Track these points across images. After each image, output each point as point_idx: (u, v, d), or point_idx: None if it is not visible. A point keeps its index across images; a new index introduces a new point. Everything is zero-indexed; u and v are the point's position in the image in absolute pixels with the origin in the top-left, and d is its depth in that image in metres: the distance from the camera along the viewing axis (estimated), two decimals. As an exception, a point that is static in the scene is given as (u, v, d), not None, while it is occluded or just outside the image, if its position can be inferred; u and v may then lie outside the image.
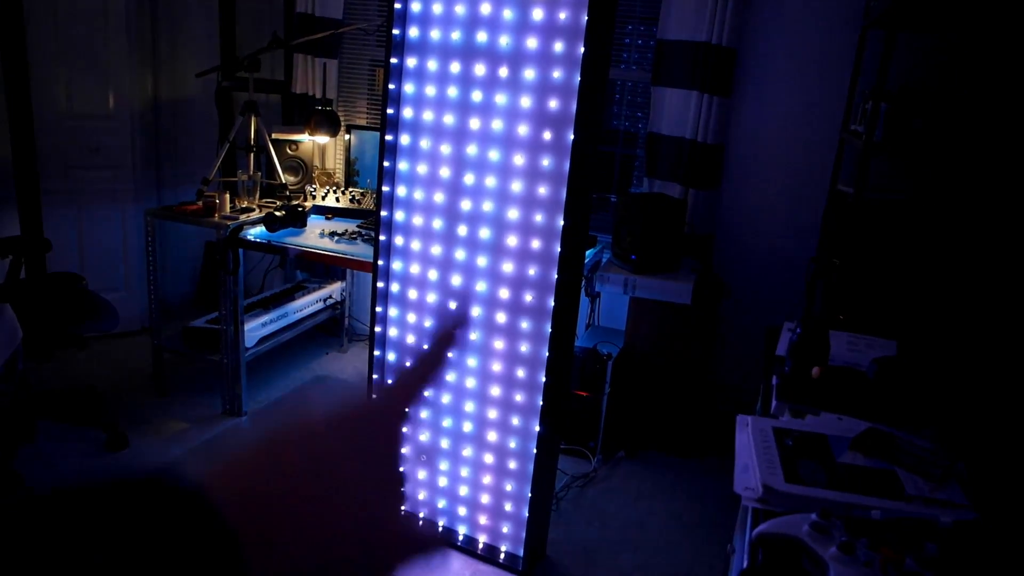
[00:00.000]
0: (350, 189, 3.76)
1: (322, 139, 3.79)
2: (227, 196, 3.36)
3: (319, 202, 3.64)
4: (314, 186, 3.79)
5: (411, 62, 2.39)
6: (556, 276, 2.24)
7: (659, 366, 3.38)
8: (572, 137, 2.13)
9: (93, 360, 3.84)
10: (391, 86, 2.41)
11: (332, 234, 3.28)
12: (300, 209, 3.30)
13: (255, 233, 3.25)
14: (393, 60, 2.39)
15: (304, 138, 3.80)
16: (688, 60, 3.37)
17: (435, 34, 2.33)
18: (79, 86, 3.90)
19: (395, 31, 2.36)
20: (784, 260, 3.52)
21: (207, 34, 4.40)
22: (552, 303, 2.28)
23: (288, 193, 3.67)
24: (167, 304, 4.59)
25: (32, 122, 3.80)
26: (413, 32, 2.37)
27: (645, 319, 3.38)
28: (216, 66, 3.68)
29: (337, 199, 3.67)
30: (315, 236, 3.27)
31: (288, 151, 3.83)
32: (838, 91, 3.27)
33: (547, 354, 2.32)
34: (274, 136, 3.74)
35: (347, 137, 3.89)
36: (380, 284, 2.58)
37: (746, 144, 3.52)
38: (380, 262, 2.55)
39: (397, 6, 2.34)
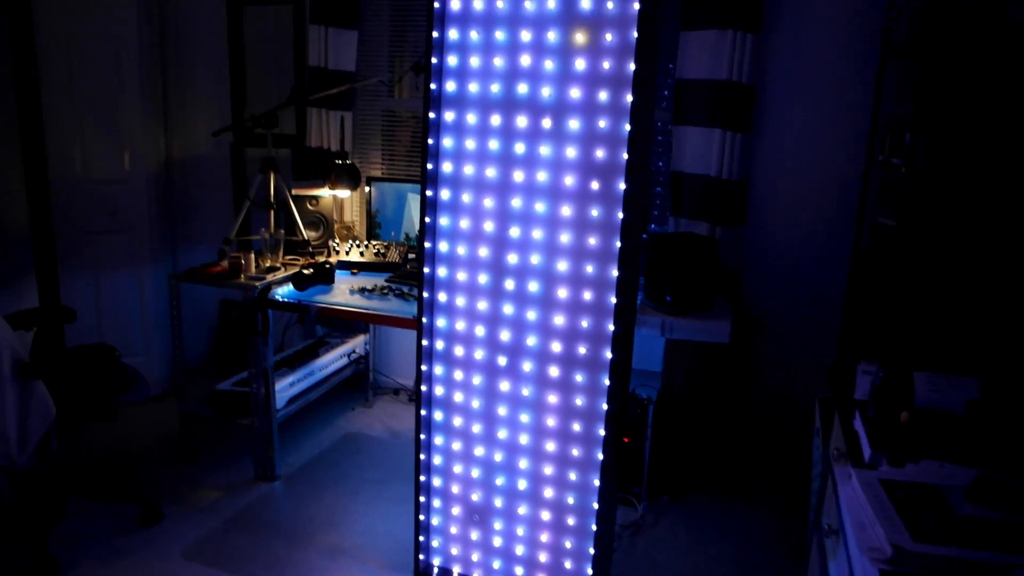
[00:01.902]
0: (373, 242, 3.72)
1: (343, 193, 3.77)
2: (252, 256, 3.31)
3: (343, 257, 3.59)
4: (336, 241, 3.75)
5: (449, 116, 2.37)
6: (612, 327, 2.20)
7: (698, 407, 3.33)
8: (623, 187, 2.10)
9: (121, 430, 3.76)
10: (430, 141, 2.38)
11: (362, 290, 3.24)
12: (327, 266, 3.25)
13: (283, 293, 3.20)
14: (431, 115, 2.36)
15: (325, 193, 3.77)
16: (708, 98, 3.37)
17: (473, 87, 2.31)
18: (94, 149, 3.88)
19: (432, 85, 2.34)
20: (813, 294, 3.49)
21: (217, 91, 4.39)
22: (608, 354, 2.23)
23: (311, 249, 3.63)
24: (185, 364, 4.52)
25: (48, 188, 3.76)
26: (450, 86, 2.35)
27: (682, 360, 3.33)
28: (231, 124, 3.66)
29: (361, 253, 3.63)
30: (345, 293, 3.22)
31: (308, 206, 3.80)
32: (859, 123, 3.27)
33: (606, 407, 2.26)
34: (294, 192, 3.71)
35: (368, 189, 3.87)
36: (425, 342, 2.52)
37: (769, 179, 3.51)
38: (424, 319, 2.50)
39: (434, 61, 2.32)
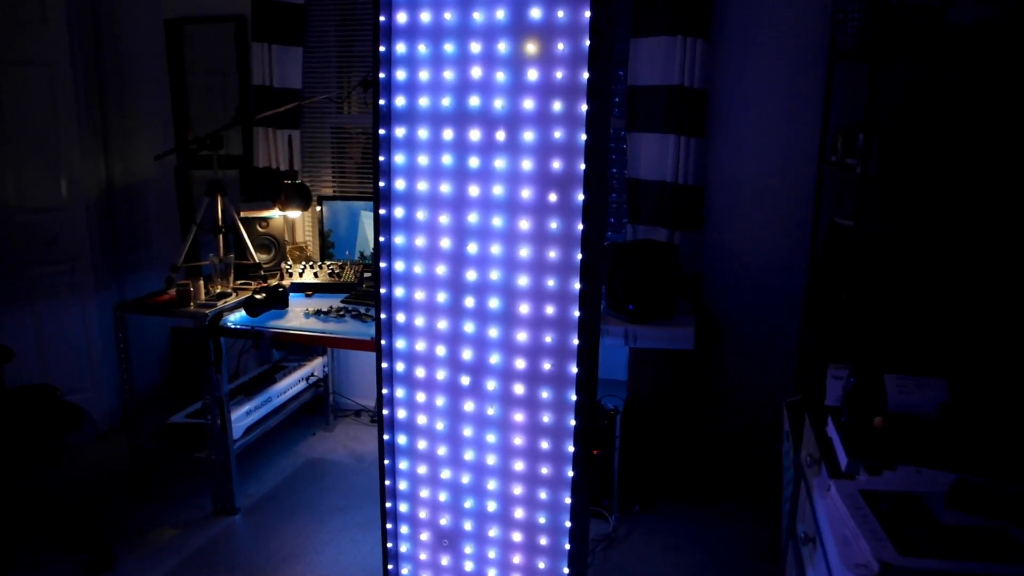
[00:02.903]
0: (327, 262, 3.62)
1: (294, 214, 3.66)
2: (201, 283, 3.19)
3: (297, 279, 3.49)
4: (289, 263, 3.64)
5: (400, 132, 2.30)
6: (576, 341, 2.15)
7: (665, 414, 3.30)
8: (581, 197, 2.06)
9: (69, 471, 3.58)
10: (381, 158, 2.31)
11: (317, 312, 3.14)
12: (280, 289, 3.15)
13: (235, 319, 3.09)
14: (381, 131, 2.29)
15: (274, 214, 3.67)
16: (661, 104, 3.36)
17: (424, 101, 2.24)
18: (29, 177, 3.72)
19: (381, 101, 2.27)
20: (774, 296, 3.50)
21: (160, 114, 4.26)
22: (574, 369, 2.18)
23: (263, 272, 3.52)
24: (134, 397, 4.35)
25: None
26: (400, 101, 2.28)
27: (647, 368, 3.30)
28: (174, 147, 3.54)
29: (315, 274, 3.53)
30: (300, 317, 3.12)
31: (258, 228, 3.69)
32: (811, 125, 3.30)
33: (574, 422, 2.21)
34: (243, 214, 3.60)
35: (319, 209, 3.77)
36: (384, 364, 2.44)
37: (725, 183, 3.52)
38: (382, 341, 2.42)
39: (381, 76, 2.25)
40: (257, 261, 3.55)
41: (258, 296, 3.06)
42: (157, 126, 4.26)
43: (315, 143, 4.13)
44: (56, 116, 3.73)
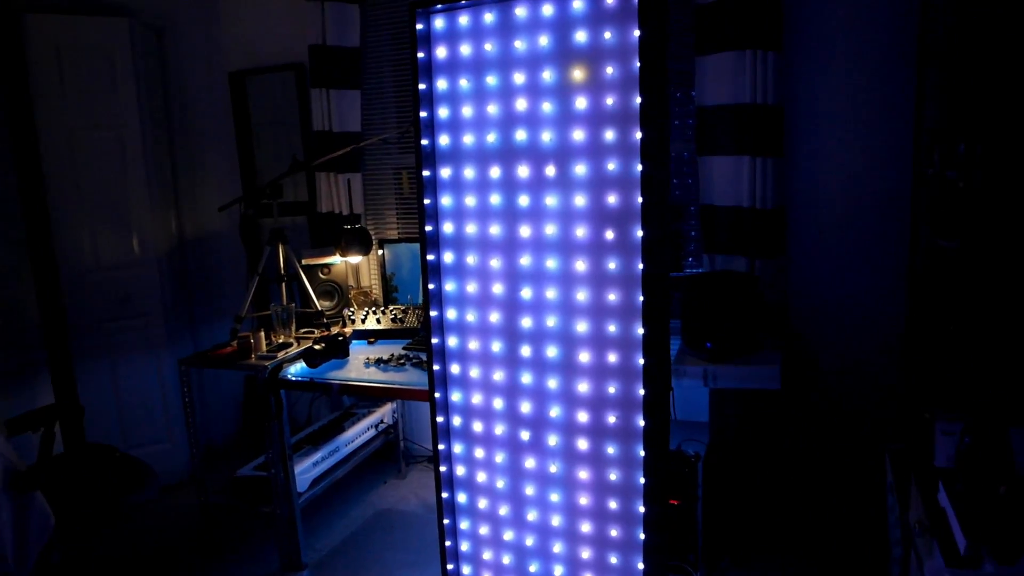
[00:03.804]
0: (391, 307, 3.53)
1: (355, 259, 3.59)
2: (261, 334, 3.14)
3: (359, 326, 3.40)
4: (352, 309, 3.57)
5: (445, 172, 2.18)
6: (642, 391, 1.94)
7: (752, 459, 3.03)
8: (640, 234, 1.87)
9: (138, 527, 3.57)
10: (426, 201, 2.19)
11: (378, 361, 3.03)
12: (340, 338, 3.06)
13: (295, 371, 3.01)
14: (425, 173, 2.17)
15: (336, 260, 3.61)
16: (733, 124, 3.13)
17: (468, 139, 2.12)
18: (103, 236, 3.79)
19: (423, 141, 2.16)
20: (868, 327, 3.18)
21: (227, 166, 4.31)
22: (641, 422, 1.97)
23: (325, 320, 3.45)
24: (214, 446, 4.36)
25: (58, 280, 3.68)
26: (443, 140, 2.16)
27: (730, 409, 3.05)
28: (237, 198, 3.53)
29: (378, 320, 3.43)
30: (360, 366, 3.02)
31: (321, 275, 3.63)
32: (901, 135, 3.00)
33: (643, 480, 2.00)
34: (304, 262, 3.55)
35: (381, 253, 3.69)
36: (440, 418, 2.30)
37: (808, 204, 3.24)
38: (437, 394, 2.28)
39: (423, 115, 2.14)
40: (320, 308, 3.49)
41: (317, 347, 2.98)
42: (225, 178, 4.30)
43: (378, 185, 4.08)
44: (126, 175, 3.80)
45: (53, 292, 3.61)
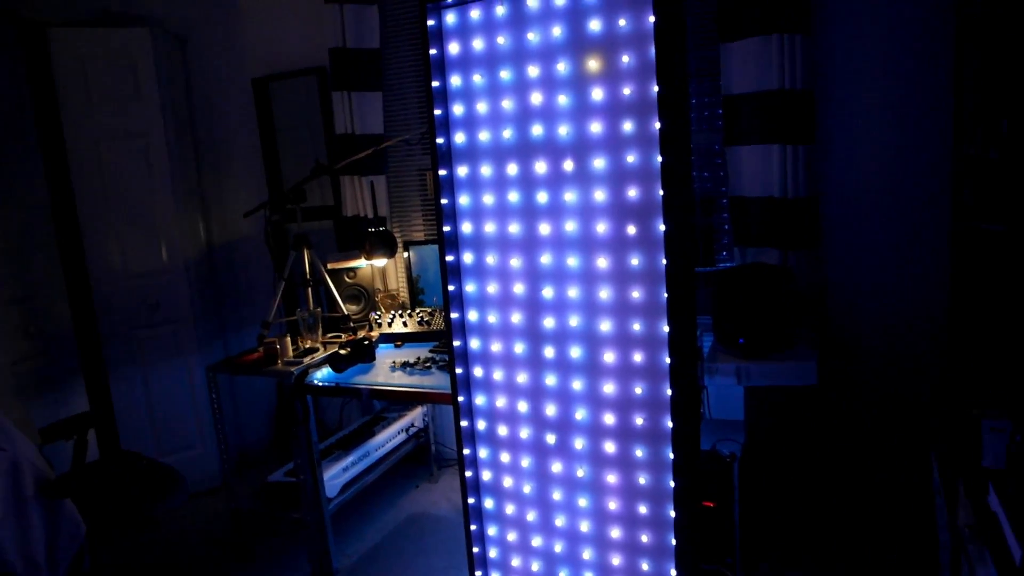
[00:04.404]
0: (417, 310, 3.49)
1: (380, 262, 3.56)
2: (287, 340, 3.13)
3: (386, 329, 3.37)
4: (379, 312, 3.54)
5: (462, 171, 2.12)
6: (669, 391, 1.87)
7: (790, 458, 2.93)
8: (662, 228, 1.80)
9: (169, 533, 3.60)
10: (444, 200, 2.14)
11: (404, 364, 3.00)
12: (366, 343, 3.03)
13: (322, 376, 2.99)
14: (442, 172, 2.12)
15: (361, 264, 3.59)
16: (761, 112, 3.03)
17: (484, 136, 2.06)
18: (131, 244, 3.82)
19: (439, 140, 2.11)
20: (909, 319, 3.05)
21: (252, 171, 4.31)
22: (669, 423, 1.90)
23: (352, 324, 3.43)
24: (246, 451, 4.38)
25: (90, 288, 3.71)
26: (459, 138, 2.11)
27: (766, 407, 2.95)
28: (262, 203, 3.52)
29: (404, 323, 3.40)
30: (386, 370, 2.99)
31: (347, 279, 3.61)
32: (940, 116, 2.87)
33: (673, 483, 1.92)
34: (330, 266, 3.53)
35: (406, 255, 3.66)
36: (464, 423, 2.25)
37: (843, 192, 3.12)
38: (460, 398, 2.23)
39: (437, 112, 2.09)
40: (346, 313, 3.47)
41: (342, 351, 2.95)
42: (250, 183, 4.31)
43: (402, 187, 4.05)
44: (153, 183, 3.83)
45: (85, 300, 3.65)
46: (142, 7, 3.92)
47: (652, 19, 1.71)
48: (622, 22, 1.78)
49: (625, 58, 1.79)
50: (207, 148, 4.25)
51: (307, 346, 3.24)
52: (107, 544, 3.34)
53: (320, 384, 2.96)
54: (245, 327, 4.39)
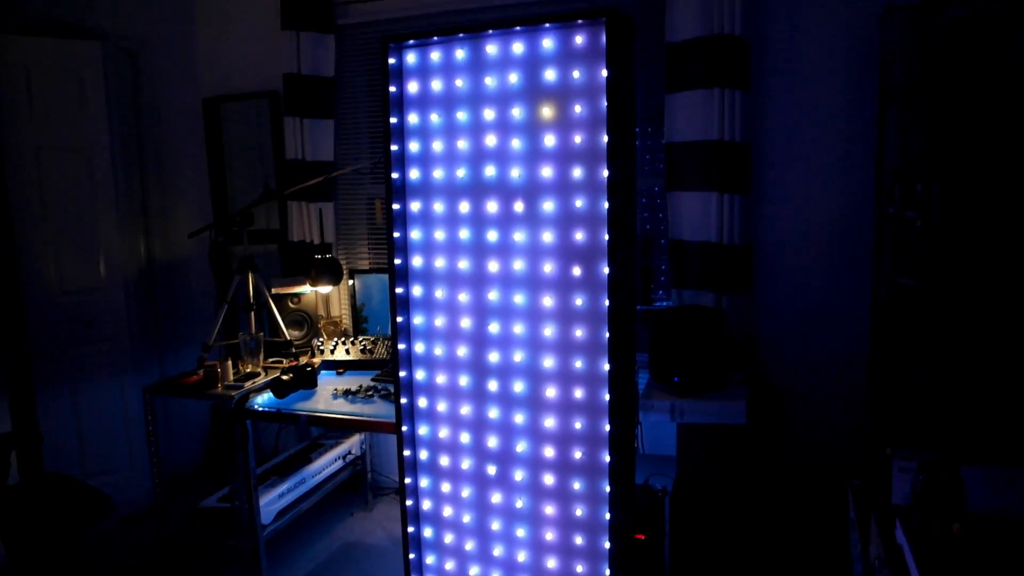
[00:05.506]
0: (360, 338, 3.51)
1: (325, 289, 3.57)
2: (228, 364, 3.10)
3: (328, 356, 3.38)
4: (321, 339, 3.55)
5: (415, 206, 2.19)
6: (608, 427, 1.95)
7: (719, 494, 3.03)
8: (607, 270, 1.89)
9: (97, 558, 3.48)
10: (396, 234, 2.19)
11: (346, 392, 3.01)
12: (309, 369, 3.04)
13: (262, 401, 2.98)
14: (395, 206, 2.18)
15: (306, 289, 3.59)
16: (701, 160, 3.18)
17: (438, 173, 2.13)
18: (68, 259, 3.73)
19: (394, 175, 2.17)
20: (832, 363, 3.22)
21: (199, 191, 4.28)
22: (607, 458, 1.97)
23: (294, 350, 3.42)
24: (178, 474, 4.28)
25: (22, 304, 3.61)
26: (414, 174, 2.17)
27: (698, 444, 3.05)
28: (207, 225, 3.50)
29: (347, 350, 3.41)
30: (328, 397, 3.00)
31: (290, 304, 3.61)
32: (864, 175, 3.07)
33: (608, 517, 2.00)
34: (274, 291, 3.53)
35: (351, 283, 3.68)
36: (407, 452, 2.28)
37: (775, 241, 3.29)
38: (404, 428, 2.27)
39: (394, 148, 2.15)
40: (289, 338, 3.47)
41: (285, 377, 2.95)
42: (196, 203, 4.27)
43: (350, 215, 4.07)
44: (94, 198, 3.76)
45: (15, 315, 3.55)
46: (96, 21, 3.88)
47: (605, 73, 1.82)
48: (576, 74, 1.88)
49: (578, 108, 1.89)
50: (154, 166, 4.20)
51: (248, 370, 3.22)
52: (30, 571, 3.22)
53: (261, 409, 2.95)
54: (182, 348, 4.31)
